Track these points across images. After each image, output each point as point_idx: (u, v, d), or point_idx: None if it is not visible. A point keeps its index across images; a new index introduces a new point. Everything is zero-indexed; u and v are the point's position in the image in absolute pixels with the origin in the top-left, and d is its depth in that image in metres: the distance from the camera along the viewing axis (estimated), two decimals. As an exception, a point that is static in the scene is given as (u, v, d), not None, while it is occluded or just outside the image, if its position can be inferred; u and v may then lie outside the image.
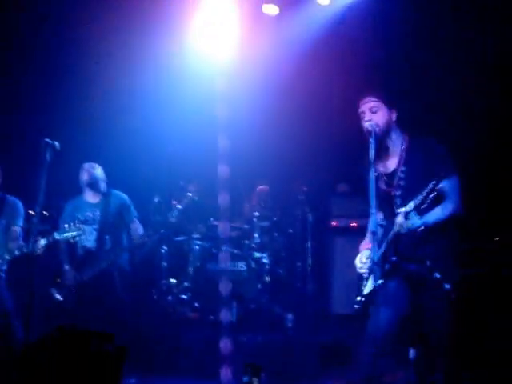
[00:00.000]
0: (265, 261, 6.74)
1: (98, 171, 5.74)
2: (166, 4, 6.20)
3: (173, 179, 7.16)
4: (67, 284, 5.39)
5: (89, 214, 5.56)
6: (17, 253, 4.80)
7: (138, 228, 5.81)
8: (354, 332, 4.61)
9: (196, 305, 6.63)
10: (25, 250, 4.70)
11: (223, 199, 6.31)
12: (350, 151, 4.73)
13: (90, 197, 5.63)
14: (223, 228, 6.85)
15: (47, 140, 4.38)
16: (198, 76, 6.39)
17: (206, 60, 6.50)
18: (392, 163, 3.90)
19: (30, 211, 5.06)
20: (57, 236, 4.87)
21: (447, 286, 3.62)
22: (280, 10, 6.95)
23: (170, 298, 6.91)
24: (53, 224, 6.49)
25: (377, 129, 3.76)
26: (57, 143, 4.39)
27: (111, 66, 6.81)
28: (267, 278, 6.75)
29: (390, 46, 6.55)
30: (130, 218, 5.80)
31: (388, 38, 6.50)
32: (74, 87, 6.97)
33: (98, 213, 5.58)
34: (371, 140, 3.71)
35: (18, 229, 5.03)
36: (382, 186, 3.88)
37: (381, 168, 3.89)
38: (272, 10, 7.01)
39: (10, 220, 5.04)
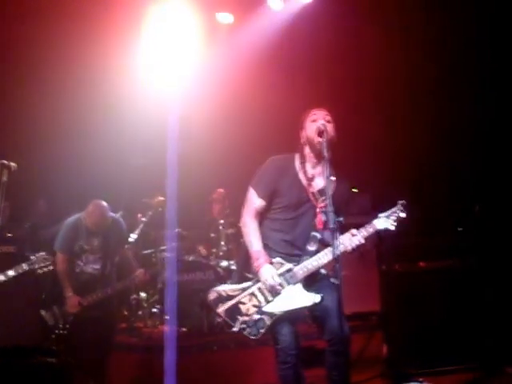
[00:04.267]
0: (233, 268, 6.72)
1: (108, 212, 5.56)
2: (118, 15, 6.19)
3: (136, 192, 7.12)
4: (70, 311, 5.32)
5: (92, 243, 5.46)
6: None
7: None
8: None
9: (167, 317, 6.58)
10: None
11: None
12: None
13: (93, 224, 5.46)
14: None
15: (3, 161, 4.31)
16: (154, 88, 6.38)
17: (161, 71, 6.48)
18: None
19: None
20: (25, 267, 4.78)
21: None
22: (234, 18, 7.01)
23: (140, 312, 6.88)
24: (17, 245, 6.42)
25: (327, 130, 3.84)
26: (13, 164, 4.33)
27: (71, 82, 6.80)
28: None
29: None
30: (123, 244, 5.84)
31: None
32: (35, 105, 6.93)
33: (100, 240, 5.48)
34: (323, 140, 3.78)
35: None
36: None
37: None
38: (226, 18, 7.07)
39: None
